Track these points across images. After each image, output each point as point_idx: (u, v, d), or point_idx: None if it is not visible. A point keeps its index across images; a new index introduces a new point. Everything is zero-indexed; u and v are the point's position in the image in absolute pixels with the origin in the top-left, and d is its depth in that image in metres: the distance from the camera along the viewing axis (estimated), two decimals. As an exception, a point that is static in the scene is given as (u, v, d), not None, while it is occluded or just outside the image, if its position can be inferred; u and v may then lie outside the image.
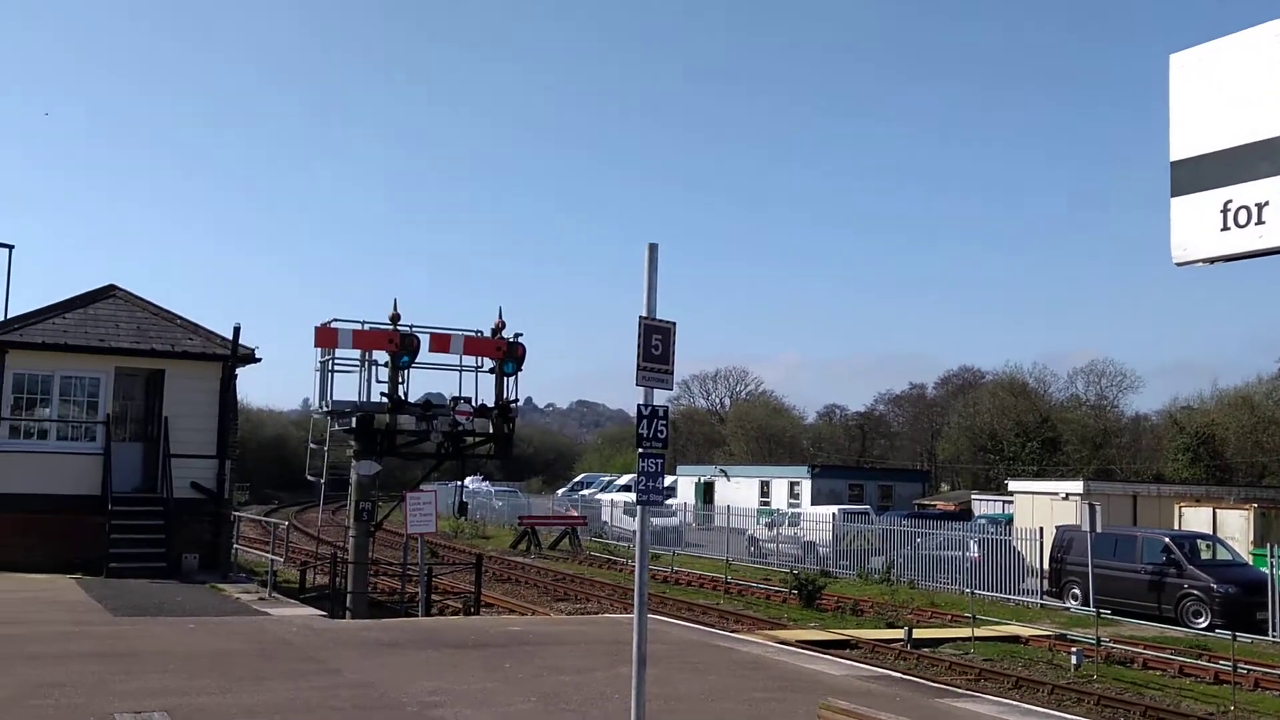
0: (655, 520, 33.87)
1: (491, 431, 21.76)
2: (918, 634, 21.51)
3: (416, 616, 19.26)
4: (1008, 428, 66.63)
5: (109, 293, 23.74)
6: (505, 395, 21.42)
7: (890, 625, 23.29)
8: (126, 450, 21.90)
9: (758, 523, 41.20)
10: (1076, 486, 35.44)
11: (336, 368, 20.41)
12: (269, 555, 20.62)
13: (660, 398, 7.63)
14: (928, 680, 15.06)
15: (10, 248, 33.50)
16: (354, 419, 20.53)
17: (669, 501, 45.74)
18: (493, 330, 21.31)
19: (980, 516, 41.02)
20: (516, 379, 21.52)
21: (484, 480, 68.87)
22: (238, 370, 22.90)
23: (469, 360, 21.27)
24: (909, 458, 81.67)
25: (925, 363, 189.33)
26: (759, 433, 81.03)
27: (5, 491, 20.75)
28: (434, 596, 22.00)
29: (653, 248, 7.47)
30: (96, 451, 21.30)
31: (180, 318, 23.59)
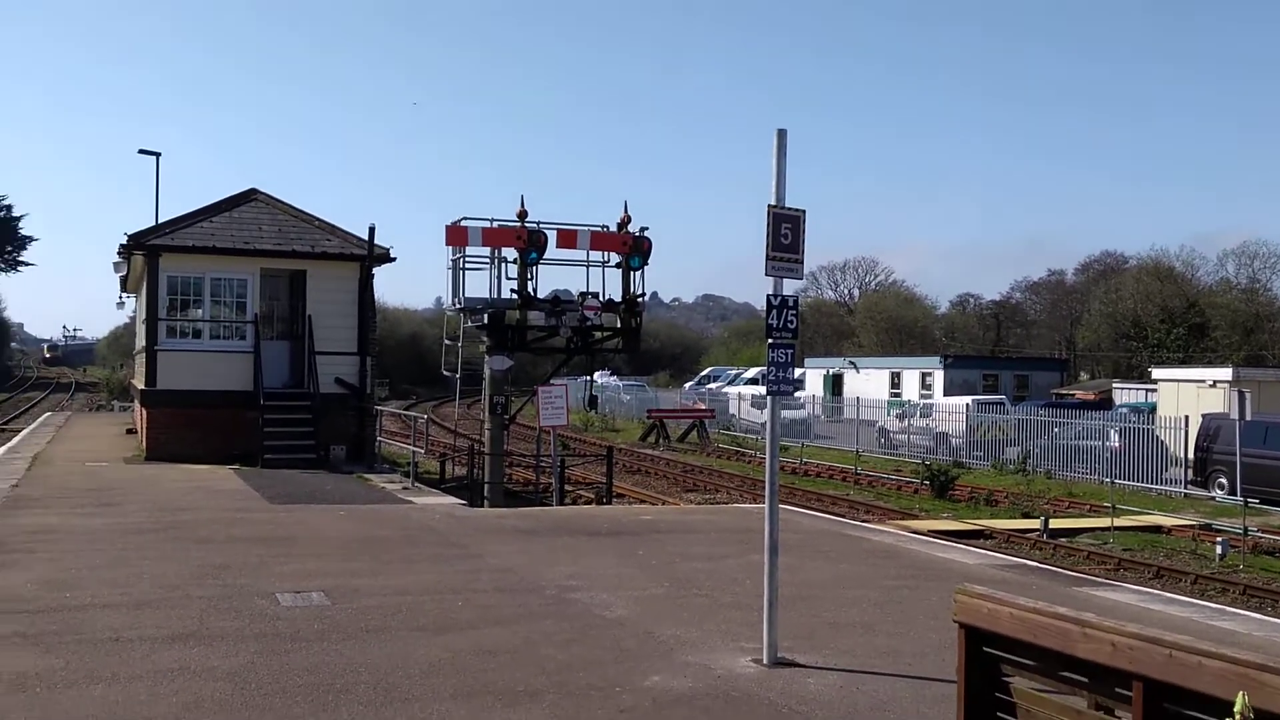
0: (784, 412, 33.65)
1: (619, 326, 21.96)
2: (1054, 524, 21.20)
3: (550, 506, 19.86)
4: (1152, 314, 63.95)
5: (251, 196, 24.57)
6: (632, 290, 21.53)
7: (1025, 516, 22.99)
8: (274, 348, 22.88)
9: (888, 414, 40.83)
10: (1225, 373, 33.97)
11: (467, 265, 20.81)
12: (410, 447, 21.44)
13: (790, 287, 7.55)
14: (1065, 569, 14.86)
15: (157, 155, 34.81)
16: (485, 315, 20.96)
17: (797, 394, 45.59)
18: (619, 225, 21.33)
19: (1121, 405, 39.84)
20: (643, 273, 21.60)
21: (611, 375, 69.81)
22: (374, 270, 23.54)
23: (596, 255, 21.42)
24: (1046, 346, 79.32)
25: (1065, 248, 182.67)
26: (889, 324, 79.65)
27: (167, 388, 22.04)
28: (566, 487, 22.61)
29: (781, 133, 7.31)
30: (247, 350, 22.31)
31: (318, 219, 24.29)
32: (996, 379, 53.93)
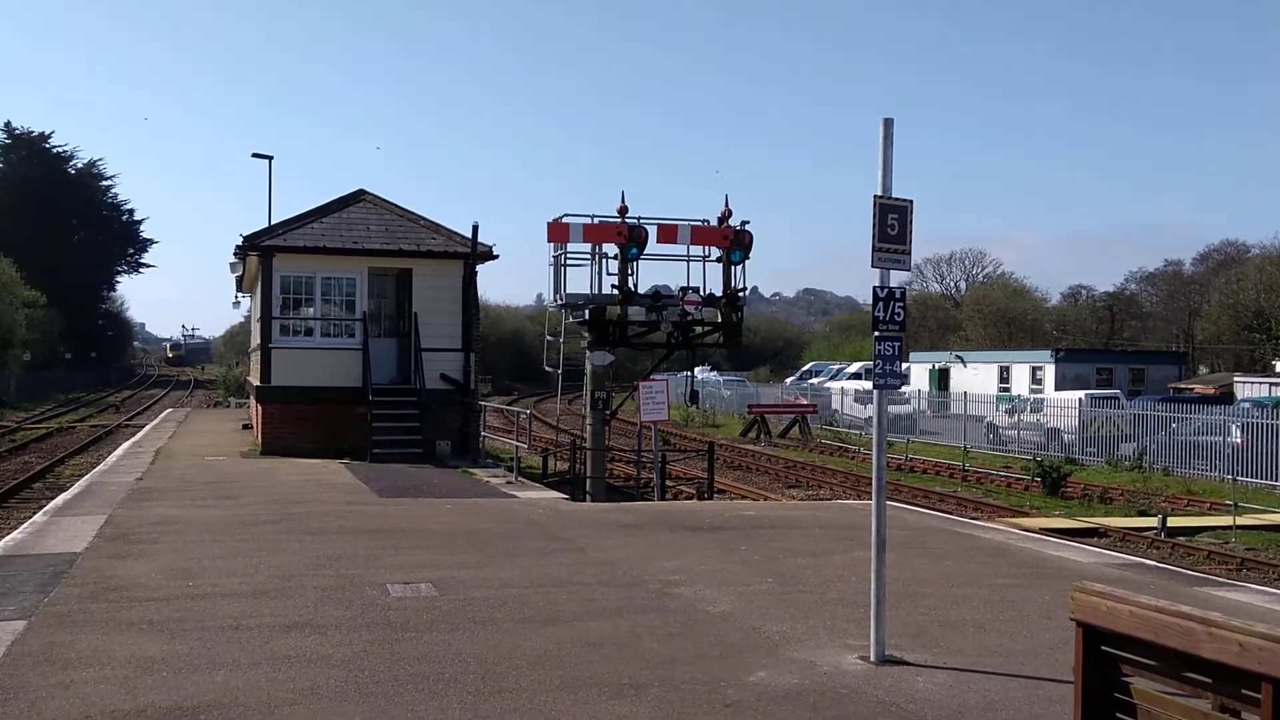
0: (889, 407, 33.20)
1: (720, 320, 21.89)
2: (1172, 522, 20.47)
3: (652, 501, 19.91)
4: (1276, 305, 61.23)
5: (359, 197, 25.18)
6: (733, 284, 21.44)
7: (1142, 513, 22.24)
8: (381, 345, 23.43)
9: (997, 409, 39.91)
10: (1357, 366, 32.32)
11: (569, 262, 20.99)
12: (513, 442, 21.70)
13: (896, 279, 7.42)
14: (1185, 569, 14.33)
15: (270, 158, 35.90)
16: (586, 311, 21.11)
17: (902, 389, 44.90)
18: (719, 219, 21.27)
19: (1244, 400, 38.22)
20: (744, 267, 21.51)
21: (712, 370, 69.65)
22: (477, 267, 23.90)
23: (696, 250, 21.39)
24: (1163, 339, 76.61)
25: (1182, 237, 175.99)
26: (997, 316, 77.80)
27: (281, 384, 22.74)
28: (667, 482, 22.63)
29: (888, 123, 7.19)
30: (355, 347, 22.88)
31: (423, 218, 24.77)
32: (1110, 373, 52.29)
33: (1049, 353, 54.23)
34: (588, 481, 20.82)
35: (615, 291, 20.72)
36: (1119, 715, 4.78)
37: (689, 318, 21.44)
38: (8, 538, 12.48)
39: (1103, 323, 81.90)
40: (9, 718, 5.96)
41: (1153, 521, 20.43)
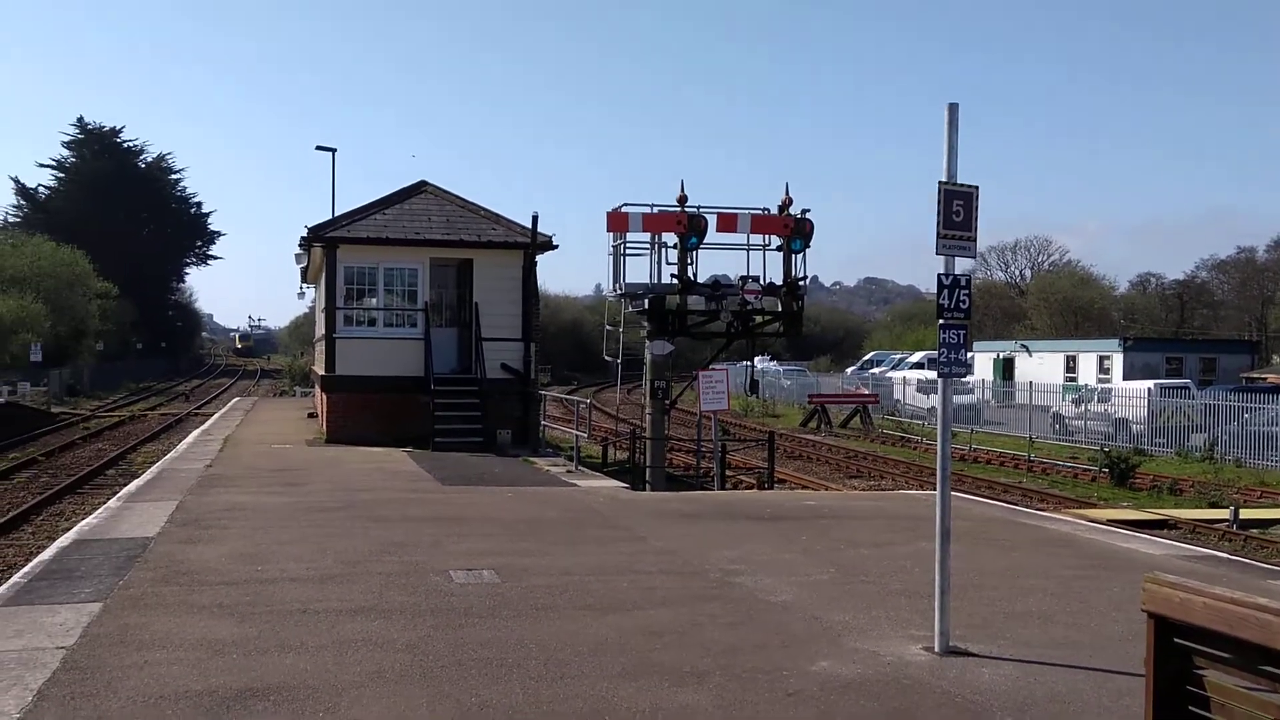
0: (953, 397, 32.58)
1: (780, 309, 21.77)
2: (1245, 514, 19.99)
3: (711, 490, 19.88)
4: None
5: (421, 189, 25.43)
6: (793, 272, 21.30)
7: (1213, 505, 21.76)
8: (443, 335, 23.65)
9: (1063, 399, 39.25)
10: None
11: (628, 251, 20.99)
12: (573, 431, 21.81)
13: (961, 266, 7.32)
14: (1258, 561, 13.97)
15: (333, 150, 36.36)
16: (646, 300, 21.11)
17: (966, 379, 44.34)
18: (779, 207, 21.14)
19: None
20: (804, 256, 21.34)
21: (771, 360, 69.32)
22: (537, 257, 24.02)
23: (756, 239, 21.29)
24: (1235, 328, 74.72)
25: (1255, 224, 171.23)
26: (1063, 305, 76.39)
27: (345, 374, 23.07)
28: (727, 472, 22.59)
29: (952, 108, 7.08)
30: (418, 337, 23.12)
31: (484, 209, 24.94)
32: (1180, 362, 51.15)
33: (1117, 342, 53.17)
34: (647, 471, 20.85)
35: (675, 281, 20.70)
36: (1192, 709, 4.68)
37: (749, 307, 21.36)
38: (83, 523, 12.83)
39: (1172, 311, 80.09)
40: (87, 695, 6.13)
41: (1224, 513, 19.96)
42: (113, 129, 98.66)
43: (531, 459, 20.72)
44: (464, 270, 23.95)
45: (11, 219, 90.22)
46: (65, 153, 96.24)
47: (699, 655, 7.16)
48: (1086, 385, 43.33)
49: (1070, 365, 52.92)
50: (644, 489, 19.33)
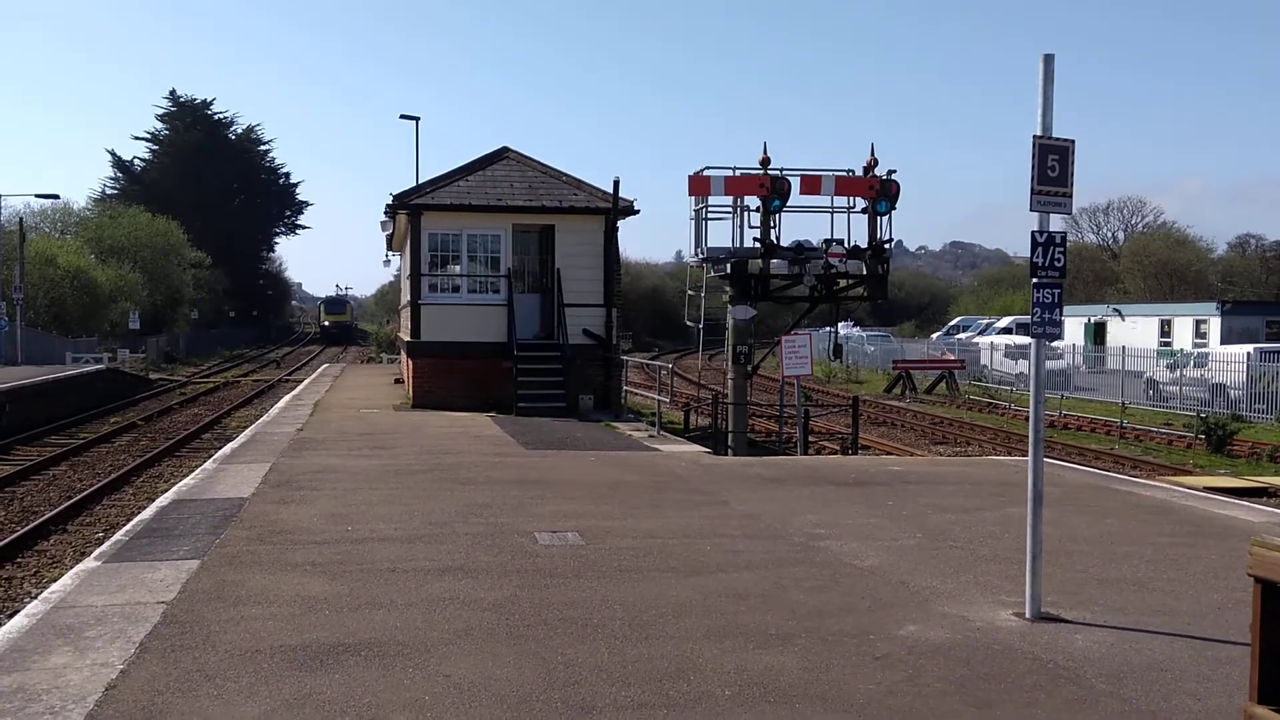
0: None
1: (865, 273, 21.42)
2: (1353, 484, 19.21)
3: (794, 455, 19.75)
4: None
5: (503, 155, 25.54)
6: (879, 235, 20.94)
7: (1318, 474, 20.94)
8: (525, 301, 23.81)
9: (1157, 364, 38.09)
10: None
11: (710, 215, 20.82)
12: (655, 397, 21.83)
13: (1056, 223, 7.10)
14: (1367, 533, 13.46)
15: (417, 119, 36.64)
16: (728, 265, 20.95)
17: (1055, 344, 43.31)
18: (864, 169, 20.77)
19: None
20: (890, 219, 20.96)
21: (854, 325, 68.49)
22: (618, 223, 23.99)
23: (840, 201, 20.95)
24: (1342, 291, 71.65)
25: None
26: (1158, 268, 74.01)
27: (431, 339, 23.38)
28: (810, 438, 22.41)
29: (1048, 59, 6.84)
30: (500, 303, 23.31)
31: (565, 175, 24.96)
32: (1282, 326, 49.22)
33: (1214, 305, 51.37)
34: (730, 436, 20.79)
35: (757, 245, 20.50)
36: (1301, 679, 4.51)
37: (833, 270, 21.03)
38: (181, 483, 13.24)
39: (1273, 274, 77.09)
40: (187, 648, 6.33)
41: (1330, 482, 19.22)
42: (204, 101, 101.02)
43: (613, 424, 20.80)
44: (546, 236, 24.03)
45: (109, 191, 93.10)
46: (159, 125, 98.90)
47: (784, 618, 7.12)
48: (1182, 350, 42.01)
49: (1165, 329, 51.34)
50: (726, 454, 19.28)
